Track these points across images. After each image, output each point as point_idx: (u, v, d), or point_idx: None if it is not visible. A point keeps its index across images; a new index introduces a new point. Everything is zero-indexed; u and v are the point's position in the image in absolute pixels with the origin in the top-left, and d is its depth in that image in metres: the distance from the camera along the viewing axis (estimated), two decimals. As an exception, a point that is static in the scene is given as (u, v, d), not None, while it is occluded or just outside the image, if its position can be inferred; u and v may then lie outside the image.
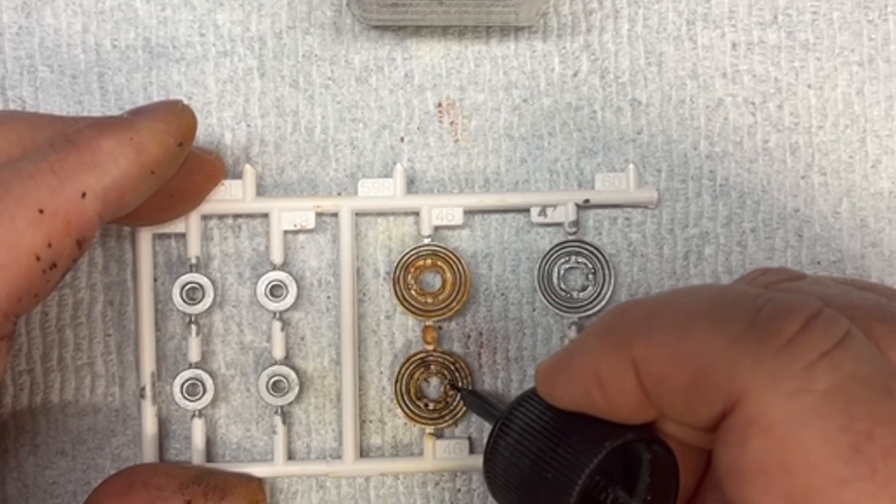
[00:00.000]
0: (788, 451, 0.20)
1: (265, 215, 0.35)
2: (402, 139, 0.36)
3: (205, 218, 0.36)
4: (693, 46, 0.36)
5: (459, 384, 0.36)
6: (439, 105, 0.36)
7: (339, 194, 0.36)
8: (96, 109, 0.36)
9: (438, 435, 0.36)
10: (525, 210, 0.36)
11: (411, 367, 0.36)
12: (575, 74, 0.36)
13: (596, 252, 0.35)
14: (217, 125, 0.35)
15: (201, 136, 0.36)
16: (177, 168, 0.31)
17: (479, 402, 0.32)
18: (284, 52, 0.35)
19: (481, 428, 0.36)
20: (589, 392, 0.25)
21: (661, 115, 0.36)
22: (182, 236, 0.35)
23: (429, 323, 0.36)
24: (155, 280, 0.35)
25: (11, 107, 0.36)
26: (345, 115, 0.36)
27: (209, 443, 0.36)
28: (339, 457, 0.36)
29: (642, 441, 0.25)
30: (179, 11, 0.35)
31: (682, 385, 0.23)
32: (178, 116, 0.30)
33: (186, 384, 0.35)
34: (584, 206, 0.35)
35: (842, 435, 0.20)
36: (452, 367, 0.35)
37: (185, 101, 0.32)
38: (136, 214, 0.31)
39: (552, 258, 0.36)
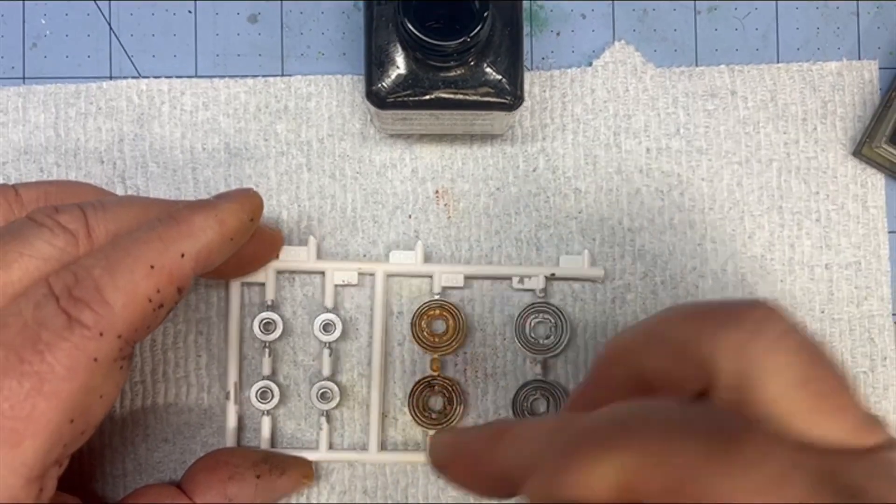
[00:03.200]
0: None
1: (322, 273, 0.39)
2: (409, 216, 0.40)
3: (279, 273, 0.39)
4: (618, 151, 0.40)
5: (455, 402, 0.38)
6: (436, 192, 0.40)
7: (376, 261, 0.39)
8: (190, 195, 0.40)
9: (438, 435, 0.35)
10: (508, 278, 0.39)
11: (421, 387, 0.39)
12: (534, 170, 0.40)
13: (558, 311, 0.38)
14: (276, 206, 0.39)
15: (266, 213, 0.39)
16: (249, 237, 0.33)
17: None
18: (325, 153, 0.40)
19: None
20: None
21: (595, 200, 0.40)
22: (262, 285, 0.39)
23: (435, 356, 0.39)
24: (241, 315, 0.39)
25: (129, 192, 0.39)
26: (369, 199, 0.40)
27: (274, 434, 0.39)
28: (366, 448, 0.39)
29: None
30: (250, 123, 0.40)
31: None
32: (249, 199, 0.33)
33: (259, 391, 0.38)
34: (551, 278, 0.39)
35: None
36: (450, 389, 0.38)
37: (255, 188, 0.36)
38: (217, 271, 0.33)
39: (526, 314, 0.39)
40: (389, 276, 0.39)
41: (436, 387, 0.39)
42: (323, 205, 0.40)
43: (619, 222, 0.40)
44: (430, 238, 0.40)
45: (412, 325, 0.38)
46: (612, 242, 0.40)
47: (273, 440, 0.40)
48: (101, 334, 0.27)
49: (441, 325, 0.39)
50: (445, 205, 0.40)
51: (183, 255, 0.30)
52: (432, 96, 0.34)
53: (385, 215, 0.40)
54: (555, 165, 0.40)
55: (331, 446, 0.39)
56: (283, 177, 0.40)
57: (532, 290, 0.39)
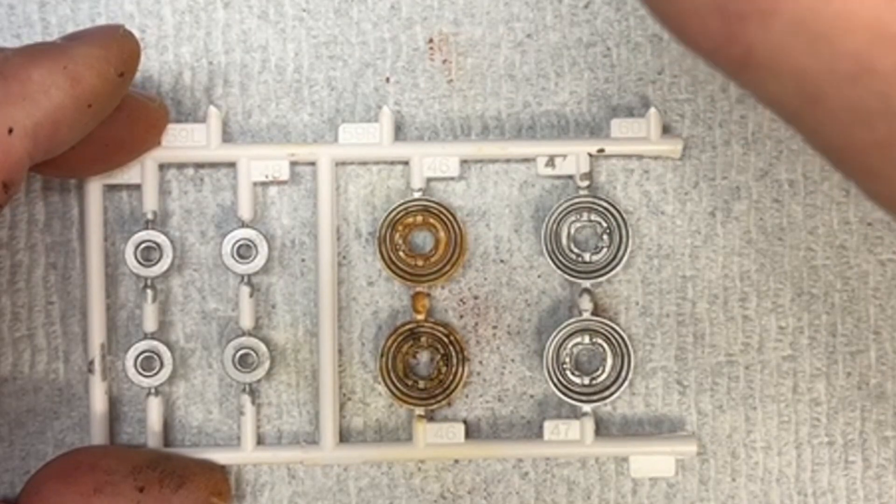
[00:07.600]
0: None
1: (232, 165, 0.35)
2: (387, 79, 0.36)
3: (163, 167, 0.35)
4: (723, -27, 0.34)
5: (453, 361, 0.35)
6: (430, 41, 0.36)
7: (317, 141, 0.35)
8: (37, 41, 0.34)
9: (429, 417, 0.35)
10: (530, 160, 0.35)
11: (399, 340, 0.35)
12: (586, 6, 0.36)
13: (611, 209, 0.34)
14: (174, 62, 0.35)
15: (156, 74, 0.35)
16: (117, 103, 0.30)
17: None
18: (252, -22, 0.35)
19: (477, 409, 0.35)
20: None
21: (685, 53, 0.35)
22: (137, 188, 0.34)
23: (419, 289, 0.35)
24: (105, 239, 0.35)
25: (-56, 40, 0.34)
26: (321, 52, 0.36)
27: (166, 425, 0.35)
28: (316, 442, 0.35)
29: None
30: (131, -69, 0.35)
31: None
32: (118, 43, 0.30)
33: (141, 357, 0.34)
34: (597, 155, 0.35)
35: None
36: (446, 341, 0.35)
37: (139, 35, 0.32)
38: (65, 164, 0.30)
39: (561, 216, 0.35)
40: (339, 164, 0.36)
41: (422, 338, 0.35)
42: (249, 61, 0.35)
43: (722, 89, 0.36)
44: (419, 113, 0.36)
45: (380, 240, 0.35)
46: (710, 122, 0.36)
47: (167, 434, 0.36)
48: None
49: (426, 240, 0.36)
50: (444, 61, 0.36)
51: (11, 131, 0.27)
52: None
53: (347, 78, 0.36)
54: (620, -3, 0.36)
55: (260, 441, 0.35)
56: (184, 17, 0.35)
57: (569, 178, 0.36)
